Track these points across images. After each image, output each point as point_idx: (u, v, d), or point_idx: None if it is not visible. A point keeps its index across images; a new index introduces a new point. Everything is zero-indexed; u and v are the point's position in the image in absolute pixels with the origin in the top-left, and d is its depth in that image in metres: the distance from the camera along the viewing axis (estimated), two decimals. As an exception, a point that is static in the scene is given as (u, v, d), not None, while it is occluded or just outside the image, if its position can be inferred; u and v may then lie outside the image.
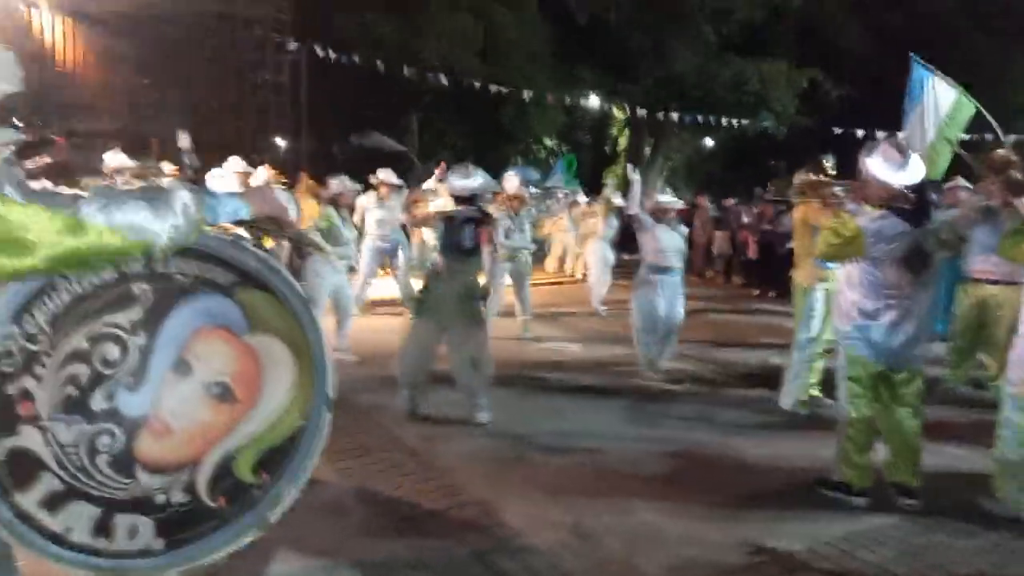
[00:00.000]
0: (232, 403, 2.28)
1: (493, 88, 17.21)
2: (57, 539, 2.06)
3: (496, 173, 7.07)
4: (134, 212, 1.39)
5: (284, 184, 7.76)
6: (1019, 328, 3.77)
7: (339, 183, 6.82)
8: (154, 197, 1.43)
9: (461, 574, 3.13)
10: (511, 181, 8.86)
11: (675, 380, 6.31)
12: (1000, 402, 3.86)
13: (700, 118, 19.14)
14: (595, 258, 10.04)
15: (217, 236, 2.23)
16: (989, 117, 6.80)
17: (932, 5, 18.07)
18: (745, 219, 13.24)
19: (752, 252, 12.67)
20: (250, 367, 2.29)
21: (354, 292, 7.46)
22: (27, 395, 2.01)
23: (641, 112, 19.83)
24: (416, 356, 5.06)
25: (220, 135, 18.38)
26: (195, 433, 2.22)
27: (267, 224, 1.80)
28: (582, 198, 13.68)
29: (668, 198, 6.48)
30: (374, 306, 8.97)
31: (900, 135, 6.62)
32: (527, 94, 18.03)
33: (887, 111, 8.72)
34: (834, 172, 5.80)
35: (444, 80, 16.96)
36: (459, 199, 5.18)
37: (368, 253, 8.35)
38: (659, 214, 6.31)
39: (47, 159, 5.39)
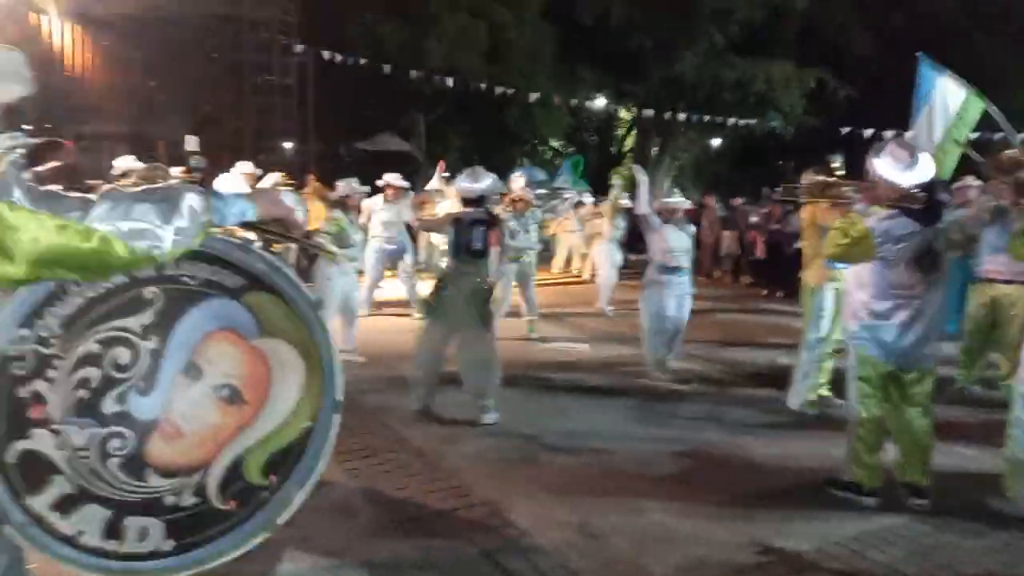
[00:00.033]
0: (241, 406, 2.29)
1: (499, 89, 17.22)
2: (68, 541, 2.07)
3: (502, 175, 7.08)
4: (140, 216, 1.39)
5: (291, 186, 7.79)
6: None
7: (346, 185, 6.84)
8: (160, 200, 1.44)
9: (469, 574, 3.13)
10: (517, 182, 8.86)
11: (683, 380, 6.31)
12: (1011, 401, 3.84)
13: (707, 118, 19.09)
14: (602, 259, 10.03)
15: (225, 239, 2.25)
16: (1000, 117, 6.75)
17: (933, 5, 17.98)
18: (753, 219, 13.20)
19: (760, 252, 12.64)
20: (259, 370, 2.31)
21: (361, 294, 7.49)
22: (39, 398, 2.03)
23: (647, 113, 19.79)
24: (429, 358, 5.10)
25: (227, 137, 18.45)
26: (205, 436, 2.24)
27: (274, 226, 1.81)
28: (588, 198, 13.66)
29: (675, 198, 6.48)
30: (381, 307, 8.99)
31: (908, 135, 6.59)
32: (533, 95, 18.03)
33: (895, 110, 8.69)
34: (842, 172, 5.79)
35: (449, 82, 16.99)
36: (467, 201, 5.20)
37: (374, 255, 8.38)
38: (667, 214, 6.31)
39: (57, 163, 5.42)
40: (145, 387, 2.15)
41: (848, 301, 4.04)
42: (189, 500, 2.21)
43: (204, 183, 8.09)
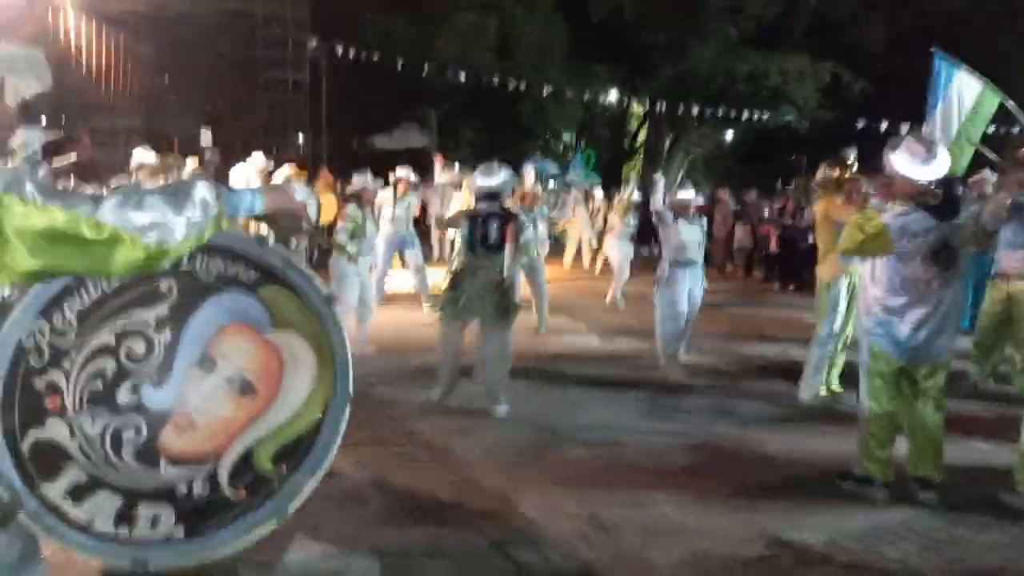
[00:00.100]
0: (254, 398, 2.32)
1: (511, 84, 17.21)
2: (81, 528, 2.11)
3: (514, 169, 7.08)
4: (151, 208, 1.40)
5: (304, 180, 7.82)
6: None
7: (361, 180, 6.87)
8: (171, 192, 1.45)
9: (478, 564, 3.15)
10: (530, 175, 8.87)
11: (694, 373, 6.29)
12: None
13: (720, 112, 18.99)
14: (615, 253, 10.04)
15: (240, 235, 2.27)
16: (1016, 110, 6.68)
17: (941, 4, 17.76)
18: (766, 213, 13.14)
19: (773, 246, 12.58)
20: (272, 363, 2.34)
21: (373, 286, 7.52)
22: (55, 388, 2.07)
23: (660, 106, 19.72)
24: (449, 352, 5.13)
25: (240, 132, 18.54)
26: (218, 427, 2.27)
27: (284, 219, 1.83)
28: (599, 192, 13.63)
29: (687, 193, 6.47)
30: (391, 299, 9.03)
31: (923, 130, 6.53)
32: (545, 90, 18.01)
33: (910, 104, 8.61)
34: (856, 166, 5.75)
35: (461, 77, 17.00)
36: (482, 196, 5.22)
37: (382, 246, 8.42)
38: (679, 210, 6.30)
39: (73, 157, 5.47)
40: (159, 379, 2.19)
41: (862, 296, 4.01)
42: (201, 489, 2.25)
43: (218, 177, 8.14)
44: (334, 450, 2.42)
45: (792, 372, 5.88)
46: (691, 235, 6.26)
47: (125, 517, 2.18)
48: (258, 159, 8.10)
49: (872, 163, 4.67)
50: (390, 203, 8.56)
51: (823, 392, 5.51)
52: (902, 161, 3.70)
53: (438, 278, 8.71)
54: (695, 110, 19.42)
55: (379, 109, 18.89)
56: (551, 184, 14.19)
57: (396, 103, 18.79)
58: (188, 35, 16.21)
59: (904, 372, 3.82)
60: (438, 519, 3.55)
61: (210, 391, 2.29)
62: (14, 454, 2.02)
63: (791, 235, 11.75)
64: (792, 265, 11.73)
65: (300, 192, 1.92)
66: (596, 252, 12.84)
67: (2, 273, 1.29)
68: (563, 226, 12.75)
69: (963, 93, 6.63)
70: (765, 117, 19.51)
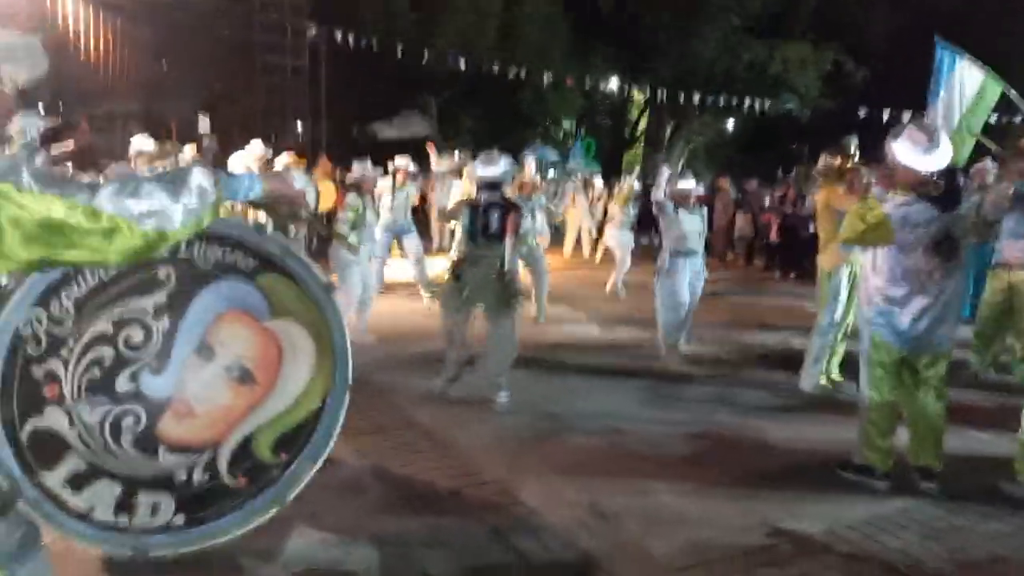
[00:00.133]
0: (253, 386, 2.31)
1: (511, 71, 17.12)
2: (81, 517, 2.11)
3: (514, 156, 7.04)
4: (148, 195, 1.38)
5: (303, 167, 7.78)
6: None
7: (361, 168, 6.84)
8: (168, 179, 1.43)
9: (478, 552, 3.15)
10: (531, 165, 8.83)
11: (694, 362, 6.29)
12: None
13: (721, 100, 18.90)
14: (615, 242, 10.01)
15: (239, 222, 2.25)
16: (1019, 100, 6.63)
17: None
18: (767, 202, 13.10)
19: (774, 235, 12.56)
20: (270, 351, 2.32)
21: (373, 275, 7.50)
22: (53, 377, 2.05)
23: (661, 94, 19.63)
24: (455, 342, 5.14)
25: (238, 117, 18.45)
26: (217, 415, 2.26)
27: (282, 206, 1.81)
28: (598, 181, 13.57)
29: (687, 183, 6.44)
30: (390, 288, 9.02)
31: (925, 119, 6.49)
32: (546, 77, 17.92)
33: (912, 92, 8.56)
34: (858, 154, 5.72)
35: (462, 64, 16.90)
36: (483, 186, 5.18)
37: (381, 235, 8.40)
38: (680, 199, 6.27)
39: (71, 143, 5.44)
40: (158, 367, 2.17)
41: (863, 286, 4.00)
42: (200, 476, 2.24)
43: (215, 164, 8.11)
44: (334, 438, 2.42)
45: (792, 361, 5.88)
46: (692, 225, 6.24)
47: (125, 505, 2.17)
48: (256, 147, 8.05)
49: (874, 152, 4.64)
50: (389, 192, 8.54)
51: (823, 381, 5.51)
52: (904, 150, 3.67)
53: (438, 268, 8.70)
54: (696, 98, 19.34)
55: (378, 96, 18.80)
56: (551, 173, 14.14)
57: (396, 90, 18.69)
58: (186, 20, 16.08)
59: (905, 362, 3.81)
60: (438, 507, 3.55)
61: (209, 379, 2.28)
62: (13, 443, 2.01)
63: (792, 223, 11.73)
64: (793, 254, 11.72)
65: (299, 180, 1.90)
66: (596, 242, 12.81)
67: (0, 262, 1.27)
68: (563, 216, 12.72)
69: (965, 82, 6.58)
70: (767, 105, 19.42)
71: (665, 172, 6.51)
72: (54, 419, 2.07)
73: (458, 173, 10.66)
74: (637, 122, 26.87)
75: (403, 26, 17.85)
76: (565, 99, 21.13)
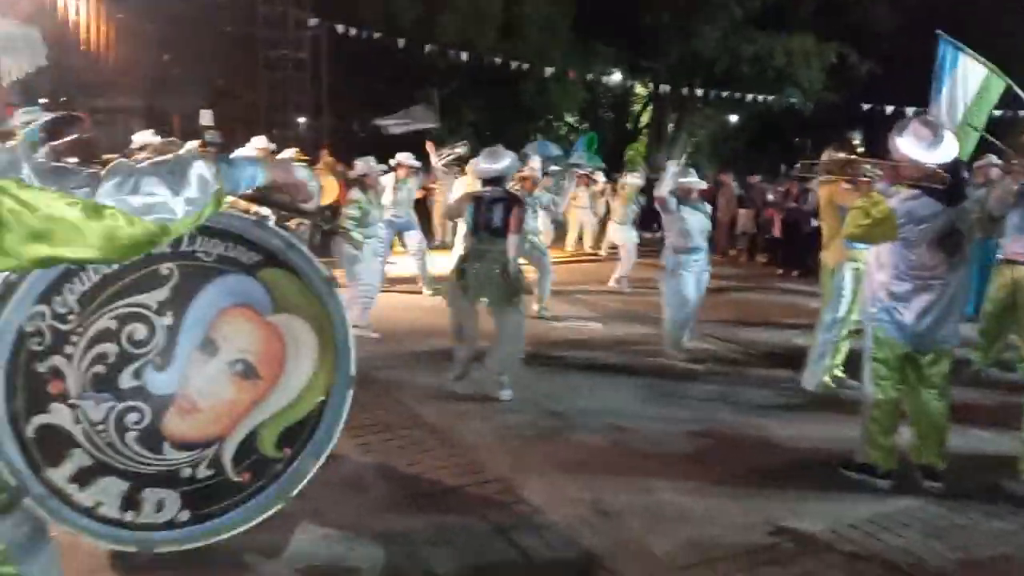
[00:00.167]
0: (256, 381, 2.31)
1: (513, 64, 17.05)
2: (87, 513, 2.11)
3: (516, 151, 7.01)
4: (149, 189, 1.37)
5: (305, 161, 7.75)
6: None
7: (364, 164, 6.82)
8: (169, 171, 1.42)
9: (481, 549, 3.16)
10: (533, 161, 8.81)
11: (697, 360, 6.29)
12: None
13: (724, 94, 18.82)
14: (619, 237, 10.00)
15: (241, 216, 2.24)
16: (1022, 94, 6.60)
17: None
18: (770, 197, 13.07)
19: (777, 230, 12.53)
20: (274, 345, 2.32)
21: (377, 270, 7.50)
22: (57, 373, 2.05)
23: (664, 88, 19.54)
24: (464, 337, 5.13)
25: (241, 111, 18.39)
26: (221, 410, 2.26)
27: (284, 197, 1.80)
28: (600, 176, 13.52)
29: (690, 178, 6.42)
30: (394, 284, 9.01)
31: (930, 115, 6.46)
32: (548, 70, 17.85)
33: (917, 86, 8.52)
34: (862, 149, 5.69)
35: (464, 57, 16.84)
36: (486, 181, 5.17)
37: (383, 230, 8.39)
38: (682, 194, 6.26)
39: (73, 137, 5.42)
40: (161, 362, 2.17)
41: (868, 282, 3.99)
42: (204, 472, 2.24)
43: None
44: (338, 433, 2.42)
45: (795, 358, 5.87)
46: (696, 221, 6.22)
47: (131, 501, 2.17)
48: (260, 141, 8.04)
49: (878, 146, 4.63)
50: (391, 187, 8.53)
51: (827, 379, 5.51)
52: (908, 145, 3.66)
53: (441, 263, 8.69)
54: (699, 91, 19.25)
55: (381, 89, 18.74)
56: (552, 168, 14.08)
57: (398, 83, 18.62)
58: (188, 12, 16.01)
59: (908, 359, 3.80)
60: (441, 504, 3.55)
61: (213, 374, 2.28)
62: (19, 440, 2.01)
63: (794, 218, 11.70)
64: (795, 249, 11.70)
65: (302, 173, 1.89)
66: (599, 235, 12.79)
67: (1, 259, 1.26)
68: (563, 216, 12.69)
69: (967, 78, 6.56)
70: (770, 99, 19.34)
71: (670, 169, 6.47)
72: (59, 416, 2.07)
73: (460, 168, 10.64)
74: (640, 115, 26.79)
75: (404, 19, 17.77)
76: (567, 92, 21.04)
